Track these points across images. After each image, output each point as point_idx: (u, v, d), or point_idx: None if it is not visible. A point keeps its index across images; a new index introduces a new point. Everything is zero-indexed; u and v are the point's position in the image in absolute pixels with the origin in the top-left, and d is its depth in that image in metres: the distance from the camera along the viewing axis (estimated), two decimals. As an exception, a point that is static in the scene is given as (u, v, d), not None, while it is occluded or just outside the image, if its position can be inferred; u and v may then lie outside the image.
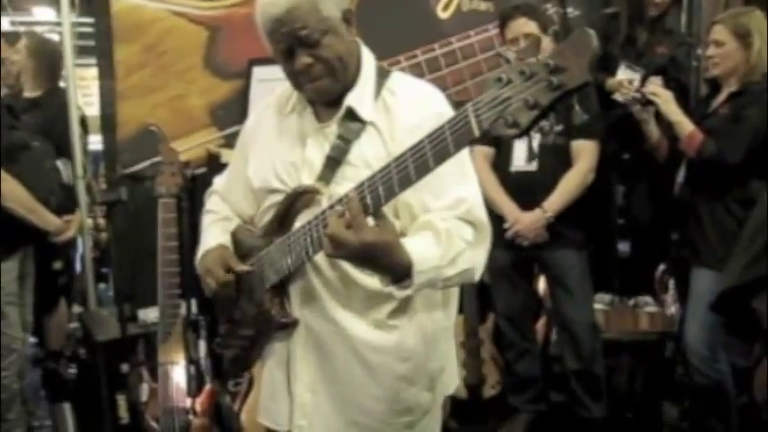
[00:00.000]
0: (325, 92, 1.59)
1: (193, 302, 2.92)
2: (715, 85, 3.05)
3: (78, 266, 4.16)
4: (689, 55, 3.59)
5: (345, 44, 1.57)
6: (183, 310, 2.78)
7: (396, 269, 1.43)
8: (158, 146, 2.91)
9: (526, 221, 3.06)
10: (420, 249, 1.45)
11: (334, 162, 1.57)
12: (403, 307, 1.60)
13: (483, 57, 4.02)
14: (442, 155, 1.28)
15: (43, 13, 5.71)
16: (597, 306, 3.42)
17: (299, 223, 1.58)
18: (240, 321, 1.77)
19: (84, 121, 3.68)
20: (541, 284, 3.51)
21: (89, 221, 3.68)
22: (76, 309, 4.03)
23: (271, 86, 3.63)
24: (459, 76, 4.01)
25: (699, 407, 3.09)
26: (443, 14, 4.00)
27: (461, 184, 1.56)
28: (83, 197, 3.52)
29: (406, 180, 1.33)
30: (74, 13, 3.60)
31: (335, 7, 1.54)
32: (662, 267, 3.64)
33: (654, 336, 3.51)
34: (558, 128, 3.08)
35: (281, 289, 1.66)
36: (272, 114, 1.73)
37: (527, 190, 3.10)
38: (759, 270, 0.86)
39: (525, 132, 1.19)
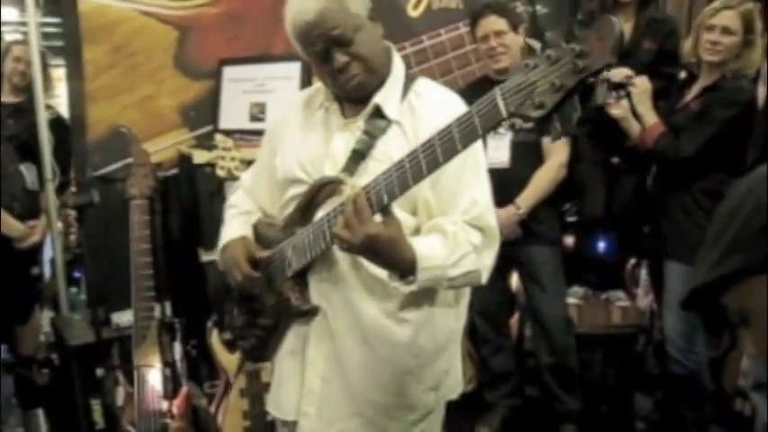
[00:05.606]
0: (363, 87, 1.63)
1: (167, 305, 2.90)
2: (690, 76, 3.06)
3: (47, 270, 4.09)
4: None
5: (375, 40, 1.62)
6: (157, 313, 2.76)
7: (400, 264, 1.49)
8: (129, 147, 2.87)
9: (500, 218, 3.06)
10: (425, 247, 1.51)
11: (359, 155, 1.62)
12: (417, 302, 1.64)
13: (453, 55, 4.03)
14: (469, 137, 1.34)
15: (6, 14, 5.60)
16: (570, 301, 3.46)
17: (320, 214, 1.62)
18: (258, 311, 1.80)
19: (63, 123, 3.62)
20: (514, 280, 3.53)
21: (59, 225, 3.62)
22: (46, 313, 3.97)
23: (241, 86, 3.63)
24: (431, 74, 4.02)
25: (673, 396, 3.14)
26: (414, 13, 4.00)
27: (476, 186, 1.63)
28: (52, 200, 3.47)
29: (433, 164, 1.38)
30: (38, 13, 3.53)
31: (362, 6, 1.58)
32: (632, 261, 3.69)
33: (626, 329, 3.56)
34: (529, 125, 3.09)
35: (300, 277, 1.70)
36: (299, 110, 1.77)
37: (500, 187, 3.10)
38: (728, 267, 0.87)
39: (550, 114, 1.28)
